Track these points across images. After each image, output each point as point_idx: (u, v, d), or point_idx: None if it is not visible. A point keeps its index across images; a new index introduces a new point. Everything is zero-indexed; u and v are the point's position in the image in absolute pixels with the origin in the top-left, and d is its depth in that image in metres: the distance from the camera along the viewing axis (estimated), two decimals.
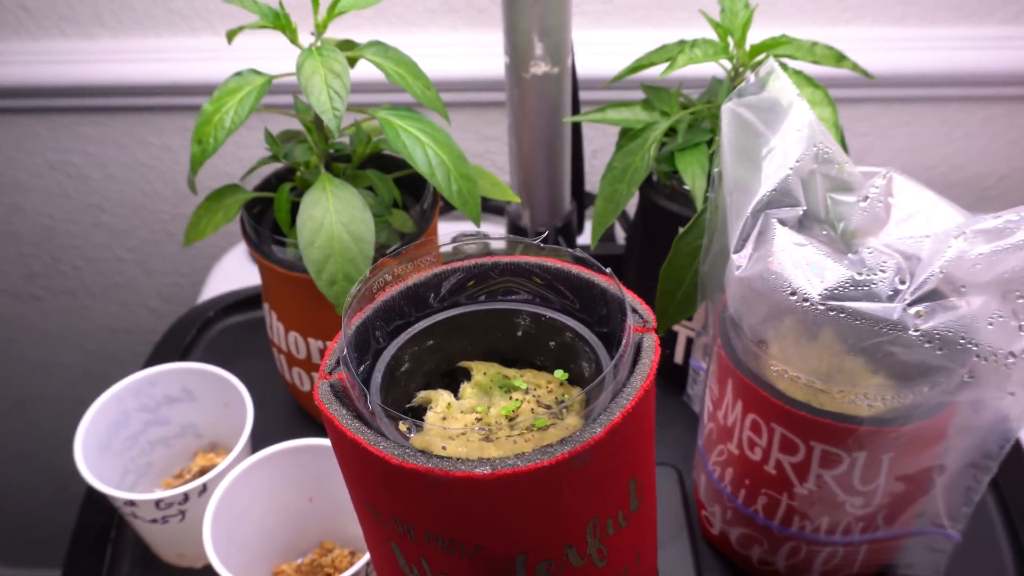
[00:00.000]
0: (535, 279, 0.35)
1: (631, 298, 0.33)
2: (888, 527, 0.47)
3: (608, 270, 0.34)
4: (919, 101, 0.80)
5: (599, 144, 0.85)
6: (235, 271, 0.83)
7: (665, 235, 0.54)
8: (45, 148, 0.90)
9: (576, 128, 0.66)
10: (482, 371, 0.35)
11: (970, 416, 0.41)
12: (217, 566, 0.45)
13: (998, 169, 0.85)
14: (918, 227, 0.40)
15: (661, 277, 0.52)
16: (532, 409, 0.33)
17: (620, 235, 0.78)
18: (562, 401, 0.34)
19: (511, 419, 0.33)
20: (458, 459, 0.28)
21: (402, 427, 0.30)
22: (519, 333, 0.36)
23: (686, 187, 0.53)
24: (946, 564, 0.49)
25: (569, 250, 0.35)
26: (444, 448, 0.31)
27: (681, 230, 0.51)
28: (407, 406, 0.35)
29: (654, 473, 0.36)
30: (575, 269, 0.35)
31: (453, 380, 0.36)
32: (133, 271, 0.99)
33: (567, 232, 0.69)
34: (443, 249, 0.36)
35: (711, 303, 0.50)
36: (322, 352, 0.56)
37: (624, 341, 0.31)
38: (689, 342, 0.60)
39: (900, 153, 0.83)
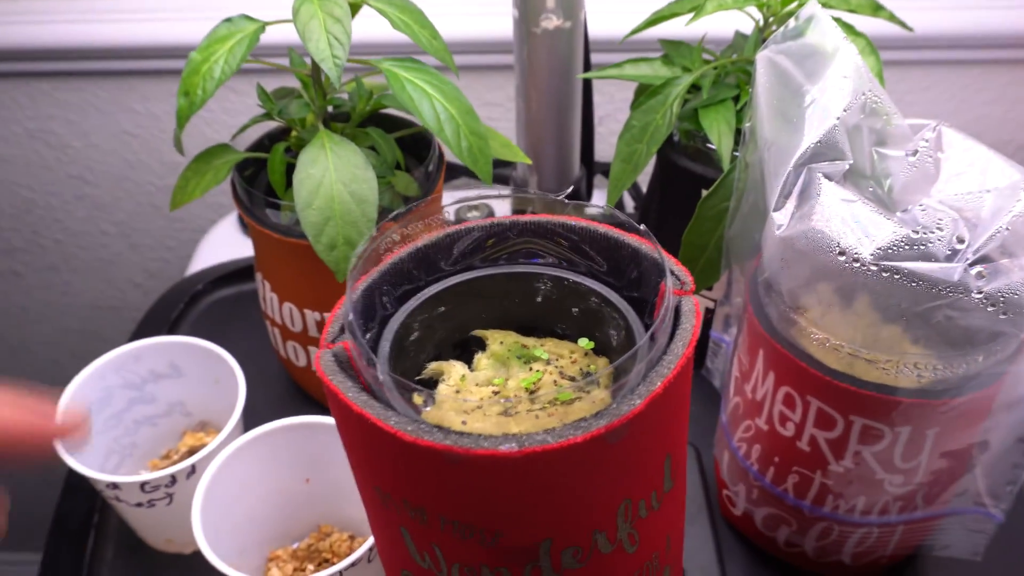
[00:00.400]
0: (559, 240, 0.32)
1: (668, 259, 0.30)
2: (927, 506, 0.44)
3: (643, 228, 0.31)
4: (940, 64, 0.77)
5: (605, 110, 0.81)
6: (224, 244, 0.79)
7: (686, 198, 0.50)
8: (23, 116, 0.86)
9: (587, 89, 0.62)
10: (498, 340, 0.32)
11: (1022, 385, 0.38)
12: (207, 553, 0.42)
13: (1017, 138, 0.82)
14: (971, 183, 0.37)
15: (683, 243, 0.49)
16: (555, 381, 0.30)
17: (629, 204, 0.74)
18: (588, 373, 0.31)
19: (532, 392, 0.30)
20: (480, 435, 0.25)
21: (417, 399, 0.27)
22: (538, 299, 0.33)
23: (710, 146, 0.50)
24: (985, 545, 0.46)
25: (597, 206, 0.32)
26: (464, 423, 0.27)
27: (705, 192, 0.48)
28: (417, 379, 0.32)
29: (686, 450, 0.33)
30: (603, 228, 0.31)
31: (466, 351, 0.33)
32: (118, 245, 0.95)
33: (576, 199, 0.66)
34: (447, 211, 0.33)
35: (740, 269, 0.47)
36: (319, 324, 0.52)
37: (663, 305, 0.28)
38: (708, 313, 0.56)
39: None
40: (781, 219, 0.37)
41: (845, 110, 0.37)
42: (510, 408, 0.28)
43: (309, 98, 0.49)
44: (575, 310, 0.32)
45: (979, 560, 0.47)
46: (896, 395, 0.38)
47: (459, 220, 0.32)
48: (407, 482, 0.27)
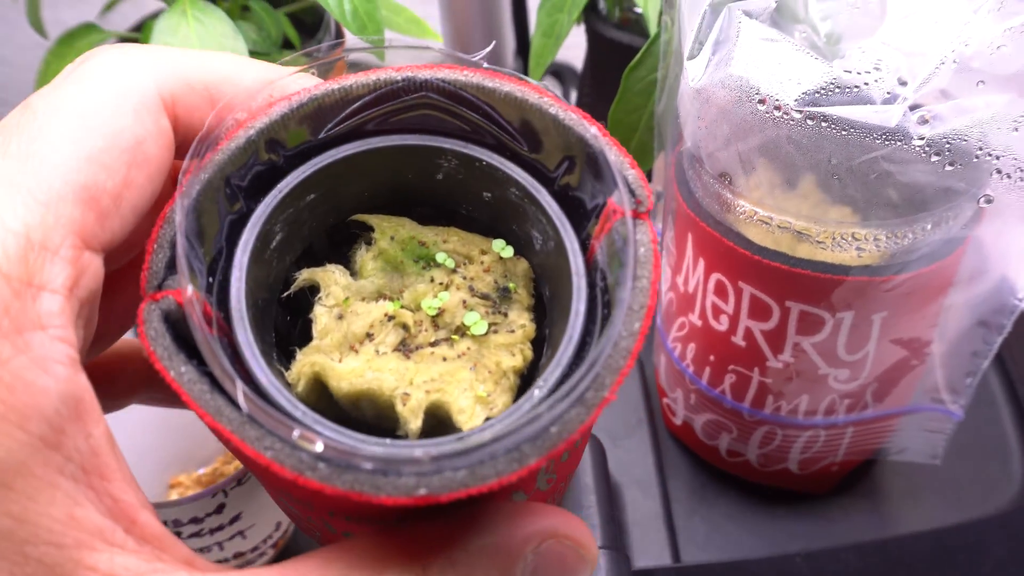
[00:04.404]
0: (470, 107, 0.23)
1: (615, 154, 0.21)
2: (878, 405, 0.39)
3: (595, 131, 0.22)
4: None
5: None
6: None
7: (617, 74, 0.45)
8: None
9: None
10: (388, 233, 0.24)
11: (979, 261, 0.33)
12: None
13: None
14: (920, 23, 0.32)
15: (609, 124, 0.44)
16: (464, 301, 0.23)
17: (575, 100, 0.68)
18: (505, 288, 0.24)
19: (436, 317, 0.23)
20: (381, 467, 0.18)
21: (304, 444, 0.18)
22: (439, 176, 0.25)
23: (638, 10, 0.44)
24: (944, 447, 0.42)
25: (527, 78, 0.23)
26: (340, 361, 0.22)
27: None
28: (283, 295, 0.24)
29: None
30: (534, 98, 0.22)
31: (343, 243, 0.25)
32: None
33: None
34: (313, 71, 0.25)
35: (669, 152, 0.41)
36: None
37: (615, 247, 0.20)
38: None
39: None
40: (696, 69, 0.31)
41: None
42: (409, 339, 0.22)
43: None
44: (487, 195, 0.25)
45: (938, 464, 0.43)
46: (834, 273, 0.33)
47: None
48: (301, 499, 0.21)
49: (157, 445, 0.46)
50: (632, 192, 0.21)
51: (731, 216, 0.35)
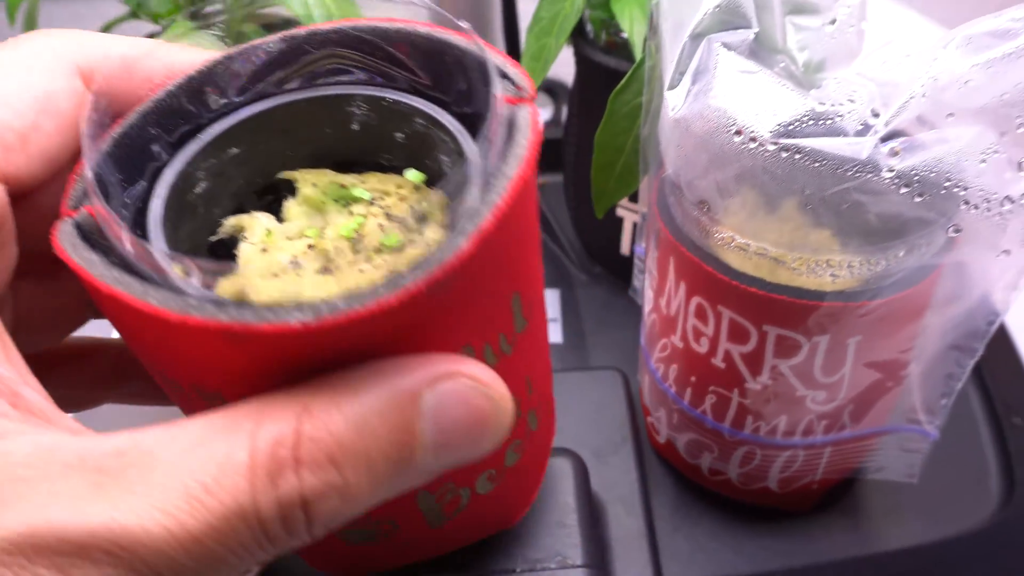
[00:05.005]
0: (371, 50, 0.26)
1: (498, 58, 0.25)
2: (855, 425, 0.40)
3: (466, 25, 0.25)
4: None
5: None
6: None
7: (604, 96, 0.45)
8: None
9: None
10: (310, 182, 0.27)
11: (953, 286, 0.34)
12: None
13: None
14: (895, 53, 0.32)
15: (596, 146, 0.44)
16: (381, 225, 0.25)
17: None
18: (420, 213, 0.26)
19: (354, 240, 0.25)
20: (266, 307, 0.20)
21: (178, 270, 0.21)
22: (355, 126, 0.27)
23: (624, 35, 0.45)
24: (921, 465, 0.42)
25: (413, 2, 0.26)
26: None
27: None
28: (212, 239, 0.26)
29: (542, 288, 0.28)
30: (424, 29, 0.25)
31: (273, 200, 0.27)
32: None
33: None
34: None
35: (652, 176, 0.42)
36: None
37: (491, 116, 0.23)
38: (636, 228, 0.52)
39: None
40: (675, 99, 0.32)
41: None
42: (330, 264, 0.24)
43: None
44: (399, 136, 0.27)
45: (915, 482, 0.43)
46: (809, 299, 0.34)
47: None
48: (190, 368, 0.22)
49: None
50: (512, 82, 0.24)
51: (710, 242, 0.35)
